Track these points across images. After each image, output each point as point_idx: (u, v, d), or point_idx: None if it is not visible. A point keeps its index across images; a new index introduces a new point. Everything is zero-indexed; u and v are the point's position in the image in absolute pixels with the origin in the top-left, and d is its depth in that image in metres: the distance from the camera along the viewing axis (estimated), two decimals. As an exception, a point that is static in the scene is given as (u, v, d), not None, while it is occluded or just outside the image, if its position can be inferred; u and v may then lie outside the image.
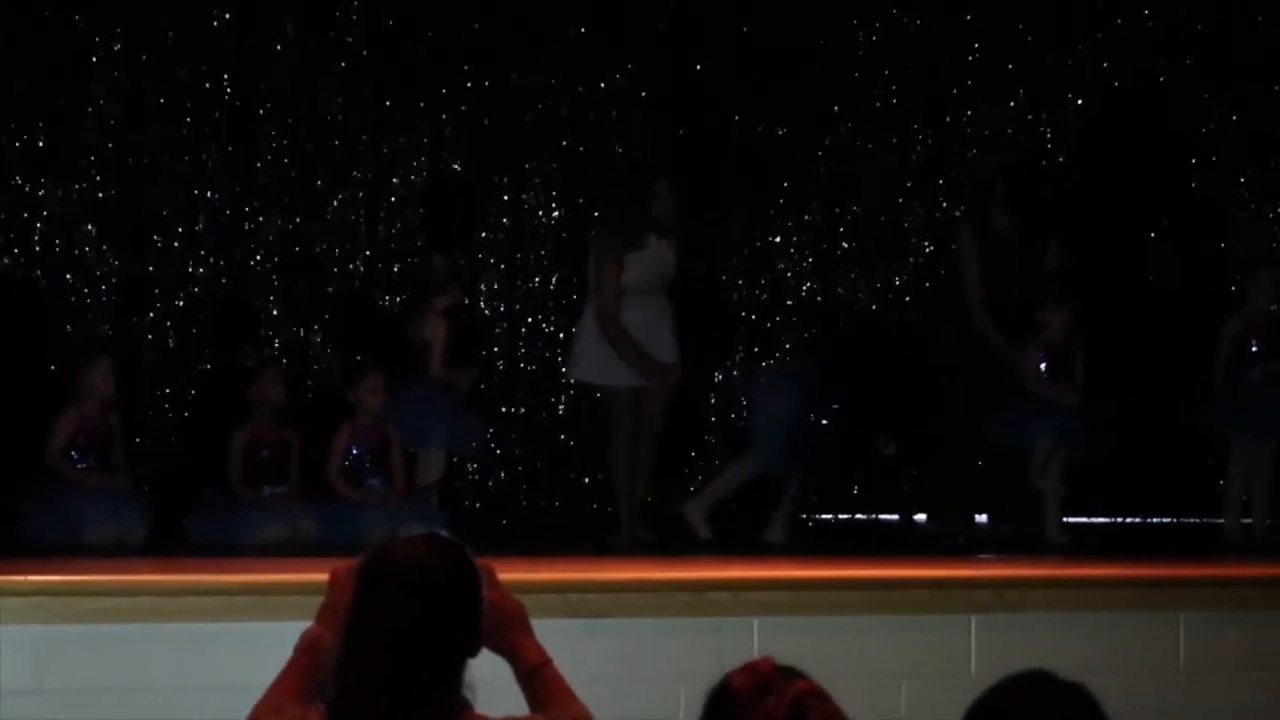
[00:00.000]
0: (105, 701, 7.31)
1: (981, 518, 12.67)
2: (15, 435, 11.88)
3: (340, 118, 13.82)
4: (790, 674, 3.96)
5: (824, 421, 12.46)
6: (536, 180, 14.22)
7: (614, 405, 12.01)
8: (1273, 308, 12.53)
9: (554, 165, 14.30)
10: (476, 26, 13.99)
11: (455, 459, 12.73)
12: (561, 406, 13.82)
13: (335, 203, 13.74)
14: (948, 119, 14.93)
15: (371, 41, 13.91)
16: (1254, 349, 12.33)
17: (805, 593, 8.47)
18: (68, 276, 13.07)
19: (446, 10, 14.00)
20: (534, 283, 14.10)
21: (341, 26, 13.86)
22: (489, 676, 4.66)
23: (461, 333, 12.37)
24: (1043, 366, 12.11)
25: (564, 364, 12.67)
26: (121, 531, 11.12)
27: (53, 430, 11.39)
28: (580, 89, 14.26)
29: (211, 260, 13.40)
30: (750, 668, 3.95)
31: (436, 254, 12.84)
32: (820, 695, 3.90)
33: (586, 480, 13.42)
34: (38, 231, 13.05)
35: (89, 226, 13.20)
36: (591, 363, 11.95)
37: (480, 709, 4.58)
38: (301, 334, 13.49)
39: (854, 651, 7.76)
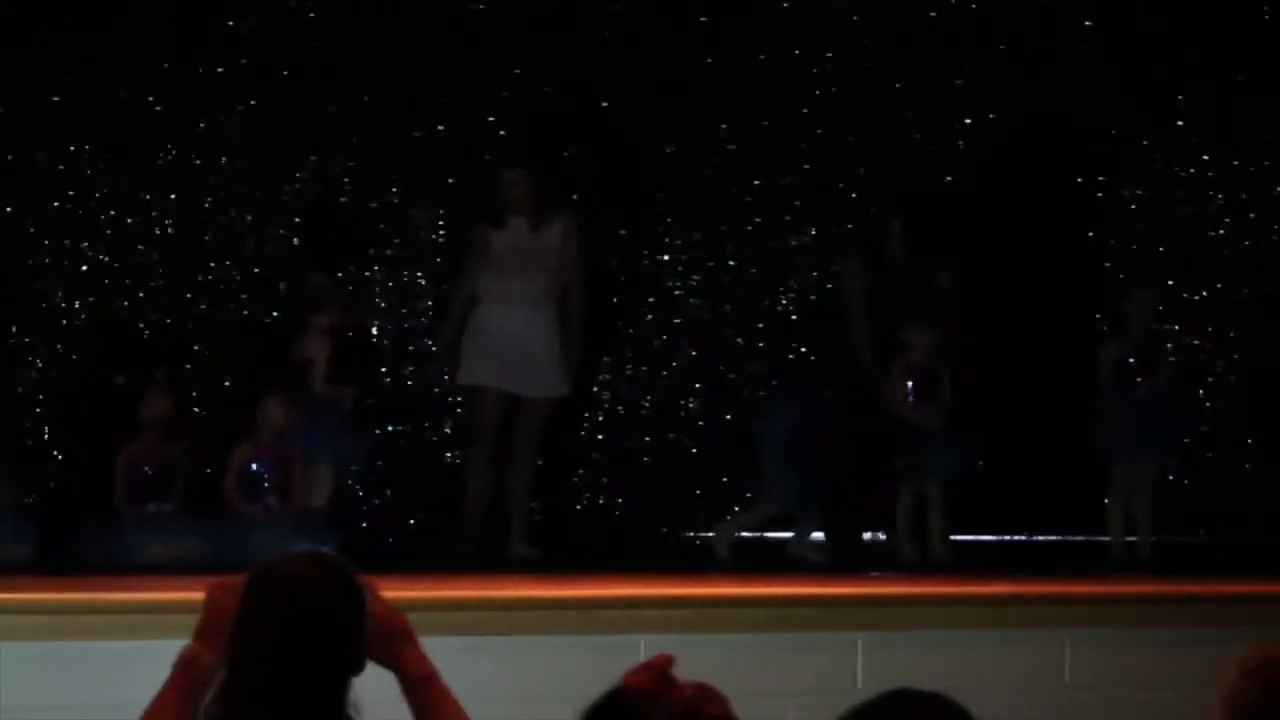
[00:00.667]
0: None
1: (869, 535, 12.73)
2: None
3: (225, 135, 13.73)
4: (683, 681, 3.97)
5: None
6: (424, 198, 14.18)
7: (476, 408, 12.04)
8: (1152, 327, 12.63)
9: (444, 182, 14.27)
10: (363, 42, 13.95)
11: (342, 477, 12.64)
12: (449, 424, 13.74)
13: (221, 219, 13.65)
14: (835, 141, 14.93)
15: (259, 59, 13.85)
16: (1133, 366, 12.40)
17: (694, 610, 8.47)
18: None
19: (334, 26, 13.96)
20: (422, 301, 14.04)
21: (226, 42, 13.78)
22: (375, 695, 4.64)
23: (344, 350, 12.34)
24: (909, 388, 12.19)
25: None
26: (5, 549, 11.06)
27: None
28: (469, 105, 14.23)
29: (96, 277, 13.29)
30: (648, 665, 3.92)
31: (316, 272, 12.83)
32: (716, 695, 3.90)
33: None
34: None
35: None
36: (463, 364, 12.02)
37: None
38: (195, 350, 13.39)
39: (741, 669, 7.75)
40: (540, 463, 12.24)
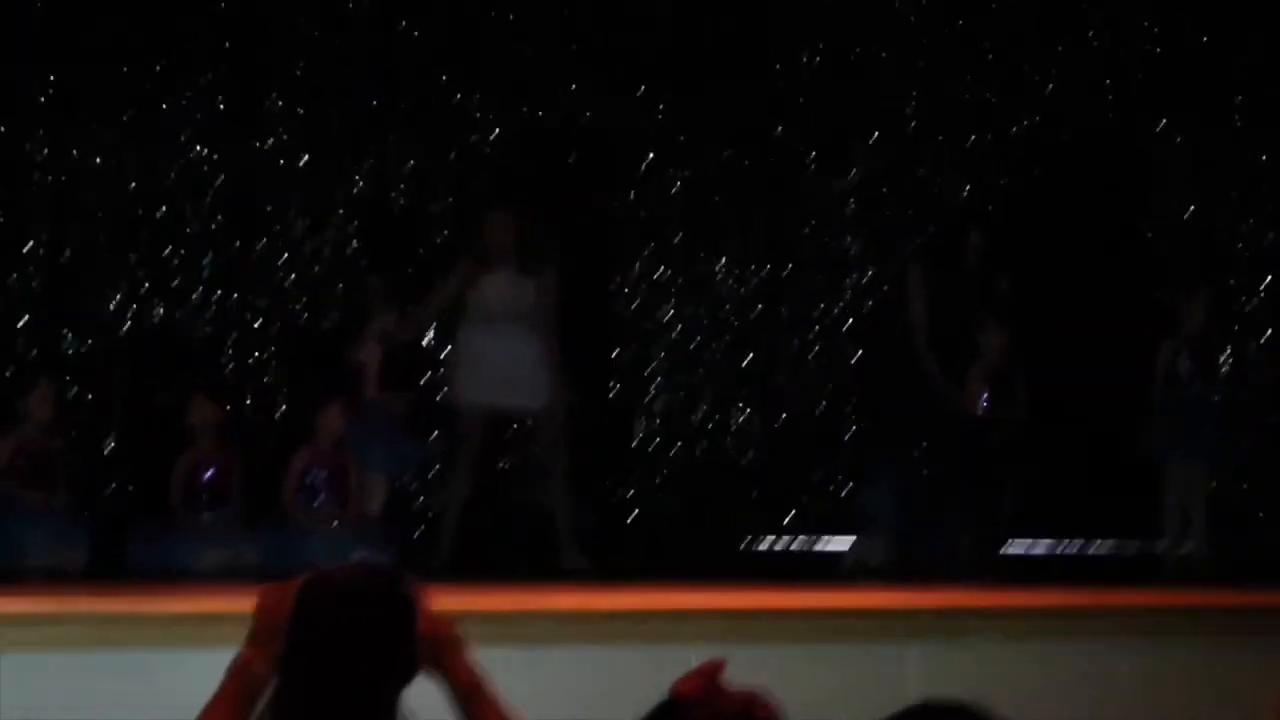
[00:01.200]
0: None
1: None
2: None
3: (282, 144, 13.75)
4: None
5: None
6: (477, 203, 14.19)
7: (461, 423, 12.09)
8: (1208, 328, 12.59)
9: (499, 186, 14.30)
10: (416, 52, 13.96)
11: (394, 485, 12.64)
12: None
13: (276, 228, 13.68)
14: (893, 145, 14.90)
15: (308, 69, 13.87)
16: (1188, 366, 12.37)
17: (742, 622, 8.47)
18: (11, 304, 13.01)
19: (387, 33, 13.96)
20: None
21: (276, 52, 13.79)
22: (426, 704, 4.65)
23: (397, 356, 12.34)
24: (984, 392, 12.18)
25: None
26: (60, 556, 11.11)
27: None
28: (523, 111, 14.27)
29: (148, 288, 13.33)
30: (698, 672, 3.95)
31: (373, 277, 12.82)
32: (763, 701, 3.93)
33: (527, 506, 13.38)
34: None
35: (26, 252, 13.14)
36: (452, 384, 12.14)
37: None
38: (249, 361, 13.44)
39: (797, 678, 7.76)
40: (589, 473, 12.26)
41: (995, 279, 12.43)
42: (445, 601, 4.77)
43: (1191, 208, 14.80)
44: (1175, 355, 12.38)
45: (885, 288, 14.32)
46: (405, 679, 4.56)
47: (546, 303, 11.85)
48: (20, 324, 13.01)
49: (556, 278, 11.95)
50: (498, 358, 11.69)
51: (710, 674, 3.94)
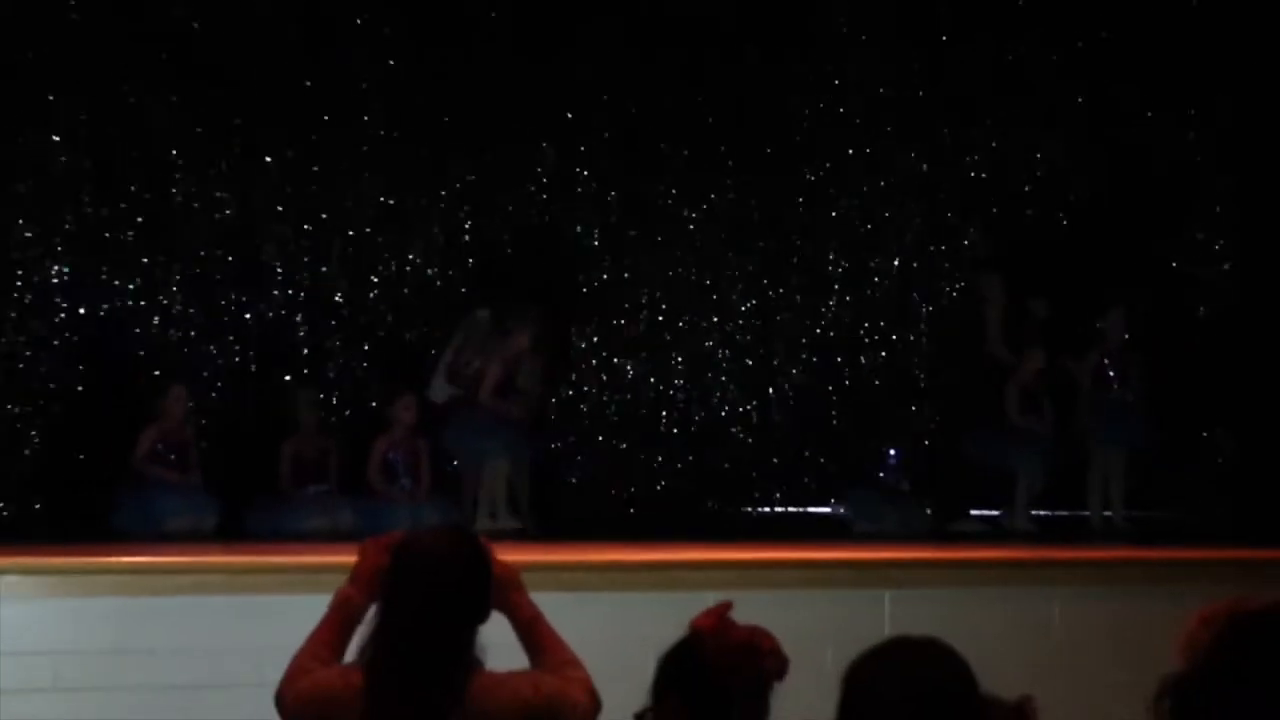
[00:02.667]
0: (177, 662, 7.31)
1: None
2: (107, 446, 11.91)
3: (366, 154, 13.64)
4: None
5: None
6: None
7: None
8: (1123, 341, 12.61)
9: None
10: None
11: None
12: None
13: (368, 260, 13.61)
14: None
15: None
16: (1109, 373, 12.41)
17: (748, 571, 8.47)
18: (155, 320, 12.99)
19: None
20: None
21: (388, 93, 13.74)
22: (497, 640, 4.66)
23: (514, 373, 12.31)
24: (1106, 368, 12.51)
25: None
26: (195, 522, 11.17)
27: (138, 441, 11.47)
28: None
29: (262, 306, 13.33)
30: (711, 611, 4.00)
31: (482, 309, 12.68)
32: (767, 634, 3.96)
33: (574, 480, 13.36)
34: (130, 287, 12.97)
35: (173, 279, 13.10)
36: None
37: (490, 667, 4.58)
38: (340, 362, 13.43)
39: (791, 618, 7.74)
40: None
41: (1033, 305, 12.47)
42: (505, 553, 4.80)
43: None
44: (1100, 363, 12.39)
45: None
46: (480, 619, 4.59)
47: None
48: (160, 338, 13.00)
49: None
50: None
51: (722, 612, 3.98)
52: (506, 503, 11.90)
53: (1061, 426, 12.52)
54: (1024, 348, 12.35)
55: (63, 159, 12.70)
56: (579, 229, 13.90)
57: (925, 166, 14.52)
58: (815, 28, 14.07)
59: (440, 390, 12.31)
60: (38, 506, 12.05)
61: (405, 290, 13.59)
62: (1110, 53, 14.25)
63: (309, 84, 13.25)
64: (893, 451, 13.14)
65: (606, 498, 12.82)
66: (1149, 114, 14.37)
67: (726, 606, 4.07)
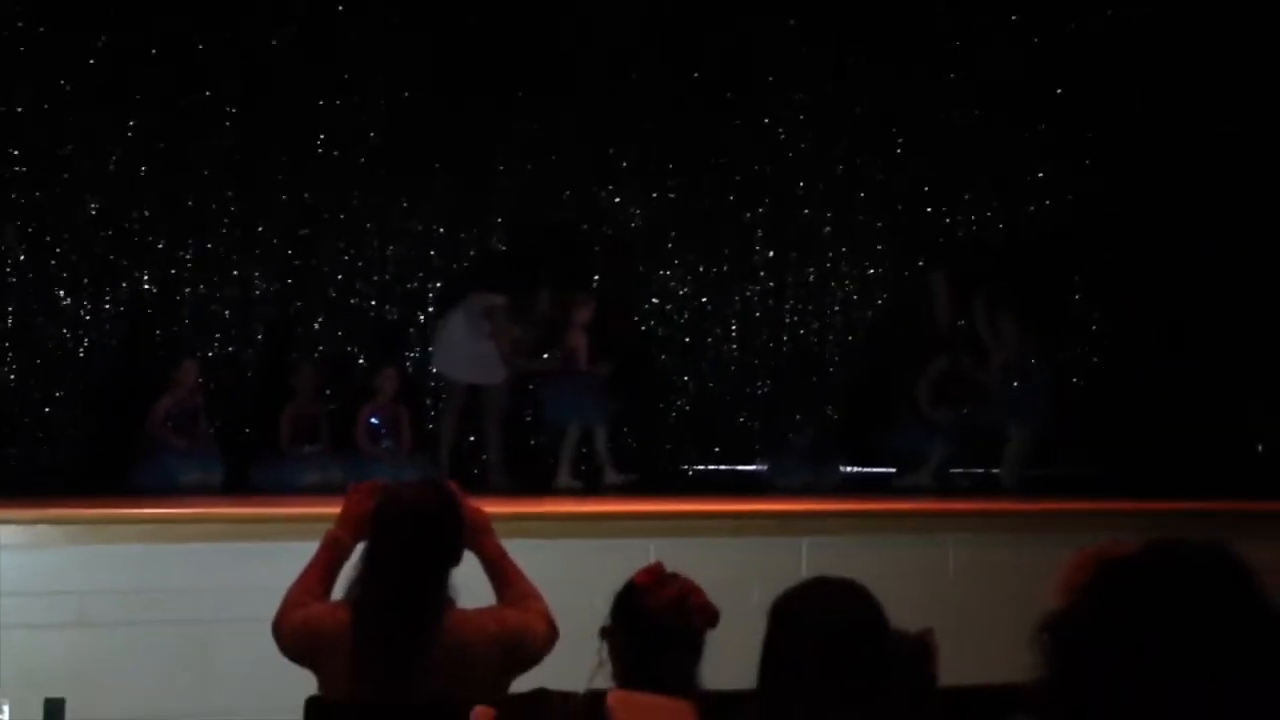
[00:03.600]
0: (188, 600, 7.30)
1: None
2: (127, 413, 11.86)
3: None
4: (676, 576, 4.02)
5: None
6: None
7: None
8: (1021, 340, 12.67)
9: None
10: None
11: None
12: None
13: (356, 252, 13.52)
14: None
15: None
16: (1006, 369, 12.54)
17: (685, 521, 8.47)
18: (166, 302, 12.90)
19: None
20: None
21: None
22: (468, 583, 4.66)
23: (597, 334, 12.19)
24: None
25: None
26: (204, 478, 11.16)
27: (154, 409, 11.43)
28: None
29: (265, 290, 13.23)
30: (648, 569, 4.01)
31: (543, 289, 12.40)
32: (697, 589, 3.97)
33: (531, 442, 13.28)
34: (147, 273, 12.87)
35: (187, 265, 13.00)
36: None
37: (461, 605, 4.58)
38: (335, 340, 13.35)
39: (721, 562, 7.76)
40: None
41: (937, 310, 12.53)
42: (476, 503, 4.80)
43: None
44: (1010, 357, 12.44)
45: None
46: (454, 562, 4.59)
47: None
48: (175, 317, 12.92)
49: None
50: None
51: (656, 570, 4.01)
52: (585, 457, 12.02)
53: (969, 417, 12.53)
54: (931, 351, 12.44)
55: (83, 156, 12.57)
56: (551, 224, 13.79)
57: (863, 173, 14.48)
58: (761, 49, 13.96)
59: (471, 368, 12.04)
60: (66, 466, 11.97)
61: (387, 275, 13.51)
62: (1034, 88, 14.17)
63: (311, 76, 13.11)
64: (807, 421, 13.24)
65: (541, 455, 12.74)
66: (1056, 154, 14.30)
67: (659, 566, 4.09)
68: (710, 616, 3.98)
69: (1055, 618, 2.34)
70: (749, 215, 14.22)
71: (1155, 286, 13.67)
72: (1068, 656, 2.29)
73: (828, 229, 14.34)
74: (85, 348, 12.60)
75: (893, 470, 12.66)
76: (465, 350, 11.86)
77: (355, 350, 13.36)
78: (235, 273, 13.08)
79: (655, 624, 3.96)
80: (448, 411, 12.25)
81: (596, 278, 13.53)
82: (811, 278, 14.35)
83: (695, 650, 4.02)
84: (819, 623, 3.23)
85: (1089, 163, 14.16)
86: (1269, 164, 13.05)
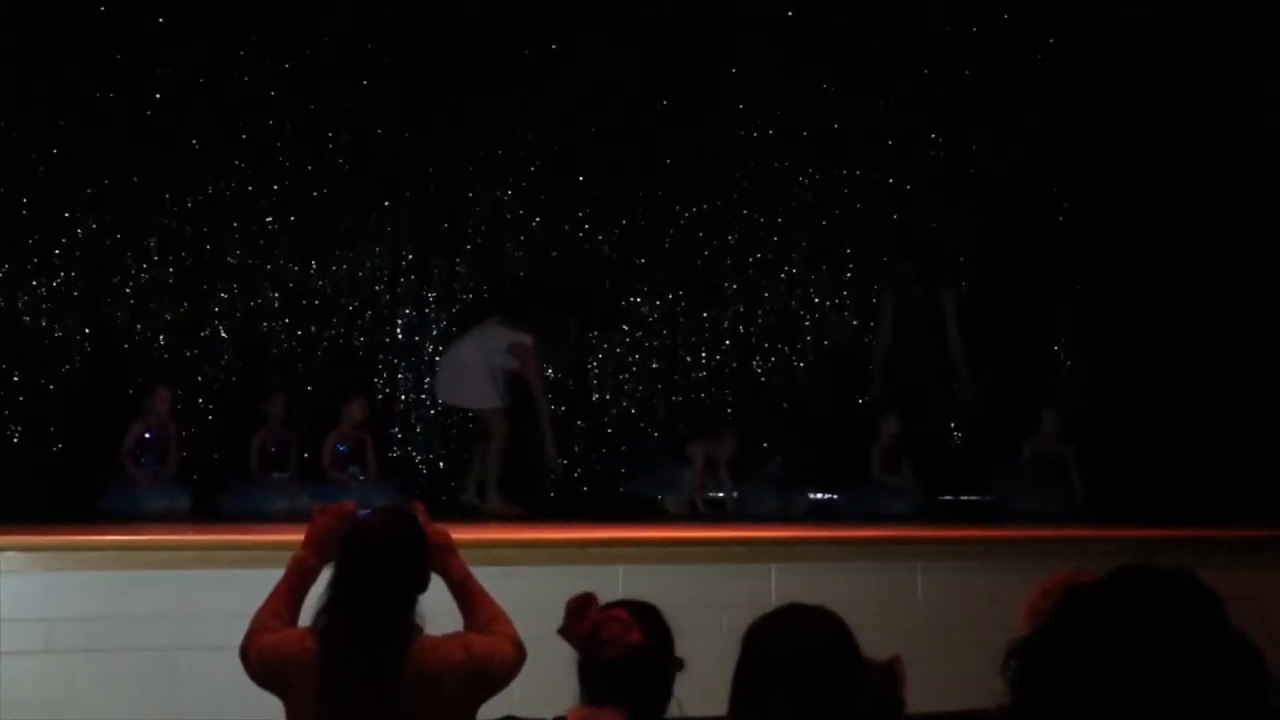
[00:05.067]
0: (159, 626, 7.27)
1: None
2: (97, 440, 11.81)
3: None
4: (632, 607, 3.96)
5: None
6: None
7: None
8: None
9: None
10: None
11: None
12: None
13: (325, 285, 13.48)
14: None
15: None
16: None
17: (654, 548, 8.47)
18: (137, 329, 12.83)
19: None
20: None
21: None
22: (433, 604, 4.64)
23: None
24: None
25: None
26: (170, 506, 11.12)
27: (125, 436, 11.40)
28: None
29: (237, 320, 13.17)
30: (579, 596, 3.97)
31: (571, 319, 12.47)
32: (623, 622, 3.89)
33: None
34: (120, 299, 12.81)
35: (160, 293, 12.93)
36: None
37: (428, 627, 4.57)
38: (302, 370, 13.30)
39: (690, 588, 7.76)
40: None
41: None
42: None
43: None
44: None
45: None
46: (420, 589, 4.57)
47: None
48: (146, 341, 12.86)
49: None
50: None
51: (580, 600, 3.94)
52: None
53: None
54: (881, 417, 12.44)
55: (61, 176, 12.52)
56: (517, 250, 13.79)
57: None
58: (721, 60, 13.98)
59: (478, 397, 11.89)
60: (35, 493, 11.90)
61: (356, 303, 13.47)
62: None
63: (279, 101, 13.08)
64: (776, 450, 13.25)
65: (532, 483, 12.69)
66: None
67: (581, 599, 3.99)
68: (624, 648, 3.88)
69: (1023, 644, 2.34)
70: (717, 241, 14.22)
71: (1130, 307, 13.71)
72: (1035, 682, 2.29)
73: (797, 253, 14.34)
74: (54, 375, 12.52)
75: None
76: (475, 379, 11.74)
77: (326, 378, 13.32)
78: (207, 303, 13.03)
79: (585, 660, 3.93)
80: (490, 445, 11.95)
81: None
82: (782, 303, 14.35)
83: (651, 681, 3.95)
84: (792, 648, 3.23)
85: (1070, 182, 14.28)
86: (1268, 166, 13.08)
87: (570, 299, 12.83)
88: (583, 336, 12.15)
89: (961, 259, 14.14)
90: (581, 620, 3.91)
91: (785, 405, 14.05)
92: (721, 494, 12.42)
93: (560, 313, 12.34)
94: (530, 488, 12.32)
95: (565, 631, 3.93)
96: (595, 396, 13.88)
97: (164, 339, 12.86)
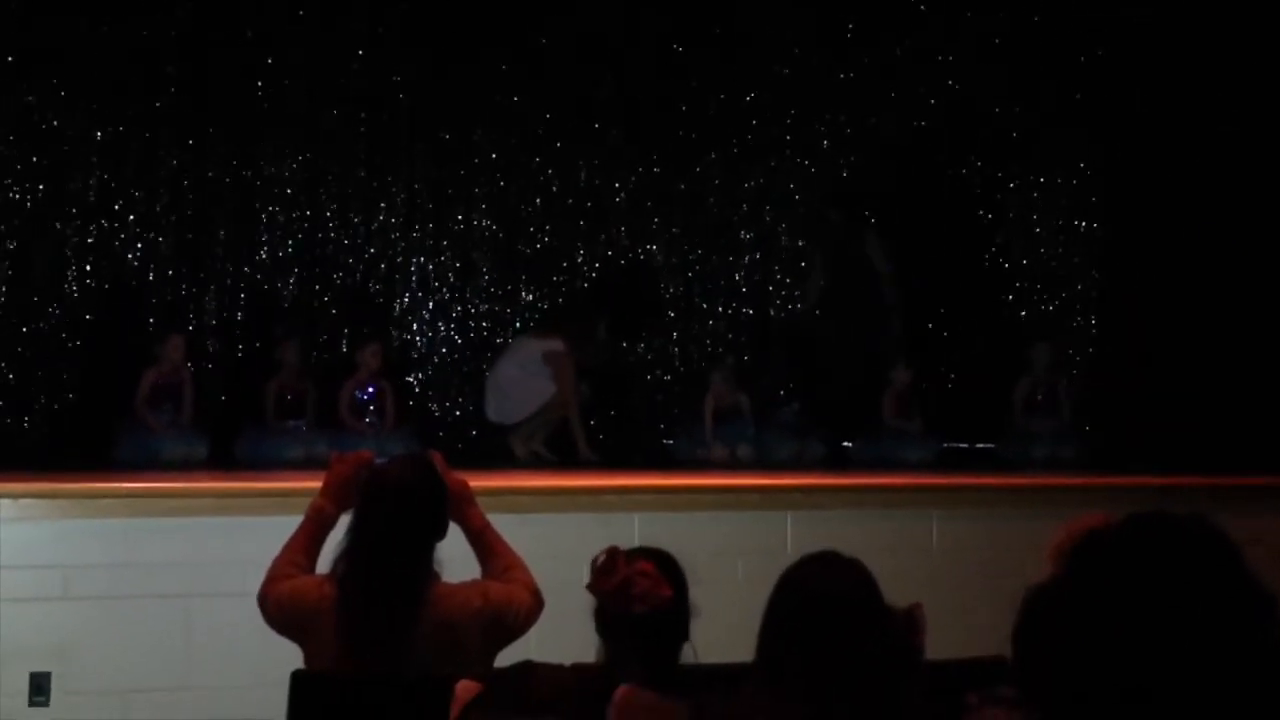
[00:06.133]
0: (174, 573, 7.29)
1: None
2: (113, 389, 11.82)
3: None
4: (648, 555, 3.97)
5: None
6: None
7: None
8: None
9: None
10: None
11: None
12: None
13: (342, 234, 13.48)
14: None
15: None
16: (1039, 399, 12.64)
17: (669, 495, 8.47)
18: (150, 277, 12.85)
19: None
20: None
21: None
22: (452, 554, 4.66)
23: None
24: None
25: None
26: (187, 454, 11.12)
27: (139, 384, 11.40)
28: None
29: (253, 267, 13.19)
30: (606, 551, 3.99)
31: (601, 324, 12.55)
32: (651, 576, 3.91)
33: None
34: (137, 249, 12.82)
35: (174, 242, 12.94)
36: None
37: (445, 577, 4.59)
38: (319, 314, 13.32)
39: (706, 536, 7.77)
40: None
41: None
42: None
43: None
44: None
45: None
46: (438, 536, 4.59)
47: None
48: (159, 287, 12.87)
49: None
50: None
51: (609, 555, 3.96)
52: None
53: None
54: (893, 365, 12.53)
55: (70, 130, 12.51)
56: (533, 197, 13.81)
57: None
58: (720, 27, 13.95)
59: (521, 409, 12.04)
60: (50, 441, 11.94)
61: (371, 250, 13.47)
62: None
63: (309, 65, 13.07)
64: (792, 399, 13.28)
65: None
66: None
67: (609, 552, 4.01)
68: (655, 602, 3.91)
69: (1038, 590, 2.35)
70: (737, 187, 14.22)
71: (1142, 267, 13.67)
72: (1050, 628, 2.30)
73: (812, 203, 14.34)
74: (69, 325, 12.55)
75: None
76: (519, 393, 11.85)
77: (340, 325, 13.32)
78: (219, 249, 13.03)
79: (606, 610, 3.94)
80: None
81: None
82: (797, 250, 14.35)
83: (670, 629, 3.96)
84: (824, 591, 3.31)
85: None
86: (1267, 167, 13.02)
87: (612, 307, 12.95)
88: (612, 337, 12.27)
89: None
90: (610, 576, 3.93)
91: (799, 353, 14.03)
92: (734, 443, 12.43)
93: (588, 315, 12.51)
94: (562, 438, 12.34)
95: (594, 587, 3.95)
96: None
97: (178, 286, 12.86)
